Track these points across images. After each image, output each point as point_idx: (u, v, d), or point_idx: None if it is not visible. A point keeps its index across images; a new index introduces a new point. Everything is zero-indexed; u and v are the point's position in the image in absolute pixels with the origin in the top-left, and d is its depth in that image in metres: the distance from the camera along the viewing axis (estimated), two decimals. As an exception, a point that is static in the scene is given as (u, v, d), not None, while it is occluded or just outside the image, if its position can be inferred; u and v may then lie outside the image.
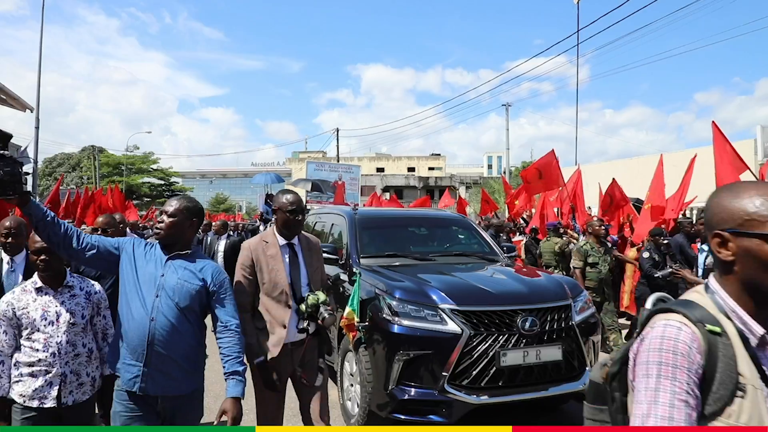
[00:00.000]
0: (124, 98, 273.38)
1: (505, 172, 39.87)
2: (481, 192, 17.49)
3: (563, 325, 4.10)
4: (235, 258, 3.48)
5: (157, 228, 2.73)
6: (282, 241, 3.25)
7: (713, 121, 8.06)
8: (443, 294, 4.03)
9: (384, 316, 4.07)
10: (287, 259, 3.23)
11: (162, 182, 57.70)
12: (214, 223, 9.13)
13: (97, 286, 3.07)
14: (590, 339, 4.25)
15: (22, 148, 18.86)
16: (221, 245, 8.33)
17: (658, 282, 6.65)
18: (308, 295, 3.16)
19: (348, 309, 3.94)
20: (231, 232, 11.13)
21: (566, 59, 39.93)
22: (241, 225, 19.87)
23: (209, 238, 8.62)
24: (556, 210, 11.99)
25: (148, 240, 2.96)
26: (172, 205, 2.68)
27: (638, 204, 10.45)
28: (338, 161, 41.17)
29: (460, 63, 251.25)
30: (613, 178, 10.39)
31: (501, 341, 3.90)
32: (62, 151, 61.38)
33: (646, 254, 7.05)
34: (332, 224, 5.61)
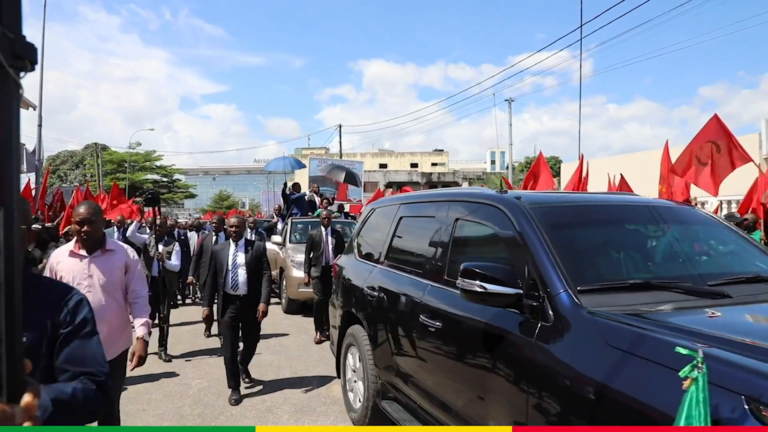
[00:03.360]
0: (126, 95, 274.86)
1: (508, 168, 40.10)
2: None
3: None
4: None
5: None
6: None
7: (716, 114, 8.04)
8: None
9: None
10: None
11: (165, 179, 57.94)
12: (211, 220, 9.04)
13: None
14: None
15: (31, 150, 18.97)
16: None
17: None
18: None
19: None
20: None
21: (570, 54, 39.91)
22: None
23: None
24: None
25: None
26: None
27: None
28: (341, 157, 41.18)
29: (462, 58, 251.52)
30: (621, 174, 10.45)
31: None
32: (65, 149, 61.82)
33: None
34: (464, 223, 3.28)
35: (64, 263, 3.18)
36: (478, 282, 2.44)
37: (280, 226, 13.16)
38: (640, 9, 15.89)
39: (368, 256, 4.56)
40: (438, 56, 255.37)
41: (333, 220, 8.71)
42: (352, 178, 17.01)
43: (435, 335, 3.07)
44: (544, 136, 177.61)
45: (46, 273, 3.19)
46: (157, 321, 6.59)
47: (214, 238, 8.01)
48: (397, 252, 4.11)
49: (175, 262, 7.20)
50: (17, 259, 0.58)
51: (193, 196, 63.95)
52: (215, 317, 5.49)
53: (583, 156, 11.99)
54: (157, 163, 56.78)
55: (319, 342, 7.65)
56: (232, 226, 5.38)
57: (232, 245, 5.35)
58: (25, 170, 20.05)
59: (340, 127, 43.95)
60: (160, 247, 6.97)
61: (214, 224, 8.49)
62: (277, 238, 11.52)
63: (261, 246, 5.46)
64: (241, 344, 5.51)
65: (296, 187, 13.61)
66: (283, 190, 14.01)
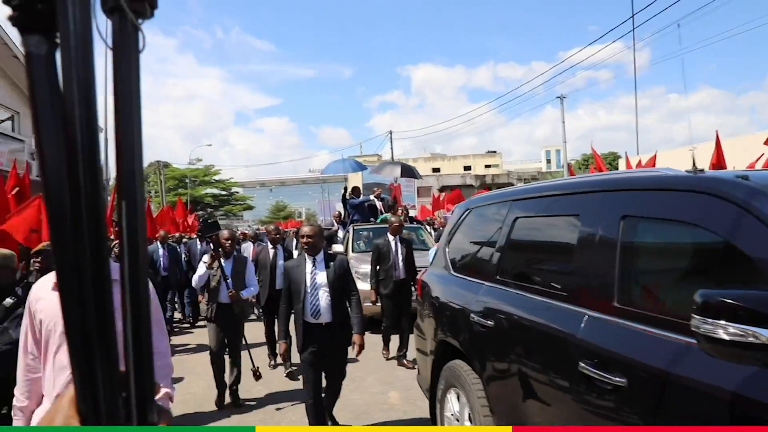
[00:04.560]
0: (184, 114, 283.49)
1: (563, 166, 38.14)
2: None
3: None
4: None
5: None
6: None
7: None
8: None
9: None
10: None
11: (224, 192, 58.88)
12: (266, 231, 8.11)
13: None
14: None
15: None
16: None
17: None
18: None
19: None
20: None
21: (623, 45, 37.45)
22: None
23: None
24: None
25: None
26: None
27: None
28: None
29: (511, 57, 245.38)
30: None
31: None
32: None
33: None
34: (641, 223, 2.15)
35: (46, 302, 2.14)
36: (740, 326, 1.34)
37: (341, 234, 12.05)
38: None
39: (469, 270, 3.47)
40: (486, 56, 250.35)
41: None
42: (410, 171, 14.92)
43: (612, 396, 1.96)
44: (601, 131, 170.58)
45: (25, 313, 2.18)
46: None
47: (272, 251, 6.99)
48: (518, 265, 2.99)
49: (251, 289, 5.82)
50: (143, 254, 0.46)
51: (251, 207, 64.54)
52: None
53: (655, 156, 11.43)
54: (216, 177, 57.73)
55: (391, 359, 6.63)
56: (304, 236, 4.20)
57: (308, 261, 4.20)
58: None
59: (391, 134, 43.30)
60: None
61: (269, 235, 7.28)
62: (338, 247, 10.59)
63: (344, 261, 4.34)
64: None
65: (356, 191, 12.44)
66: (344, 195, 12.87)
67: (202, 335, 7.66)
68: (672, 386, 1.72)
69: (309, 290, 4.10)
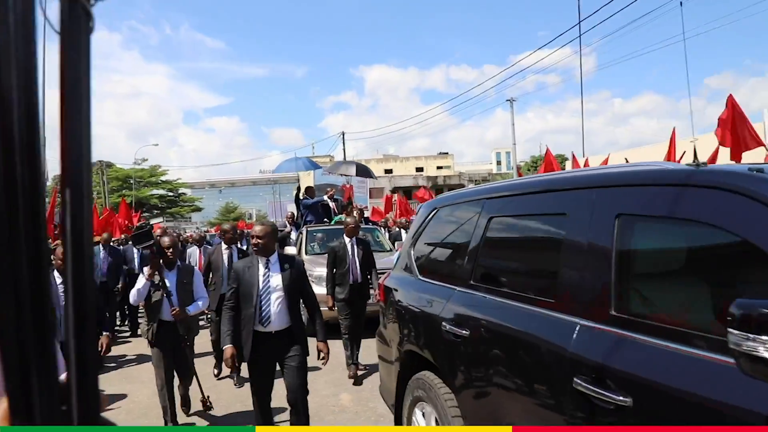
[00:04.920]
0: (129, 111, 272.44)
1: (513, 168, 38.83)
2: None
3: None
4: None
5: None
6: None
7: (730, 95, 7.69)
8: None
9: None
10: None
11: (171, 193, 57.03)
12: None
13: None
14: None
15: None
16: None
17: None
18: None
19: None
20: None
21: (571, 50, 38.61)
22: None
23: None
24: None
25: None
26: None
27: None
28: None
29: (464, 59, 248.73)
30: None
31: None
32: (71, 168, 60.68)
33: None
34: (639, 222, 1.90)
35: None
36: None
37: (293, 235, 11.54)
38: (641, 2, 14.74)
39: (438, 275, 3.20)
40: (439, 59, 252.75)
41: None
42: (365, 171, 14.28)
43: (614, 417, 1.71)
44: (550, 134, 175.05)
45: None
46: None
47: (226, 252, 6.48)
48: (495, 269, 2.72)
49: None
50: (88, 251, 0.42)
51: (199, 209, 62.75)
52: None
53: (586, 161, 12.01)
54: (163, 178, 55.81)
55: (354, 377, 6.08)
56: (254, 237, 3.80)
57: (260, 263, 3.81)
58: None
59: (344, 134, 42.98)
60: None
61: (226, 235, 6.65)
62: (291, 250, 10.14)
63: (301, 263, 3.99)
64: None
65: (310, 191, 11.95)
66: (296, 195, 12.29)
67: (142, 344, 7.14)
68: (690, 407, 1.49)
69: (261, 294, 3.72)
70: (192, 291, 4.76)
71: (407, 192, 44.30)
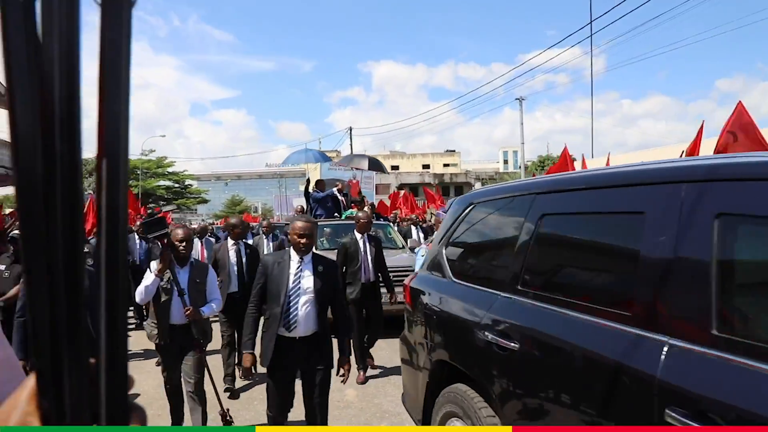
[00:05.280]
0: (137, 102, 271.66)
1: (521, 167, 38.45)
2: None
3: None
4: None
5: None
6: None
7: (740, 102, 6.89)
8: None
9: None
10: None
11: (177, 185, 56.91)
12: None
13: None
14: None
15: None
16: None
17: None
18: None
19: None
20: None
21: (581, 50, 38.21)
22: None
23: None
24: None
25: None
26: None
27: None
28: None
29: (472, 57, 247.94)
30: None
31: None
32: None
33: None
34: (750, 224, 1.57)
35: None
36: None
37: None
38: (653, 2, 14.32)
39: (476, 278, 2.88)
40: (448, 56, 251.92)
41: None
42: (377, 165, 13.82)
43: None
44: (557, 134, 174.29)
45: None
46: None
47: (233, 248, 5.87)
48: (550, 273, 2.39)
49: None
50: (122, 238, 0.40)
51: (205, 201, 62.58)
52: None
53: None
54: (169, 170, 55.67)
55: (363, 382, 5.75)
56: (300, 234, 3.39)
57: (294, 259, 3.43)
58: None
59: (351, 130, 42.66)
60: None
61: (234, 230, 6.04)
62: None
63: (335, 266, 3.61)
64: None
65: (320, 184, 11.58)
66: (306, 188, 11.83)
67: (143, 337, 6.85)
68: None
69: (291, 294, 3.37)
70: (205, 291, 4.18)
71: (413, 189, 44.06)
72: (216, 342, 6.34)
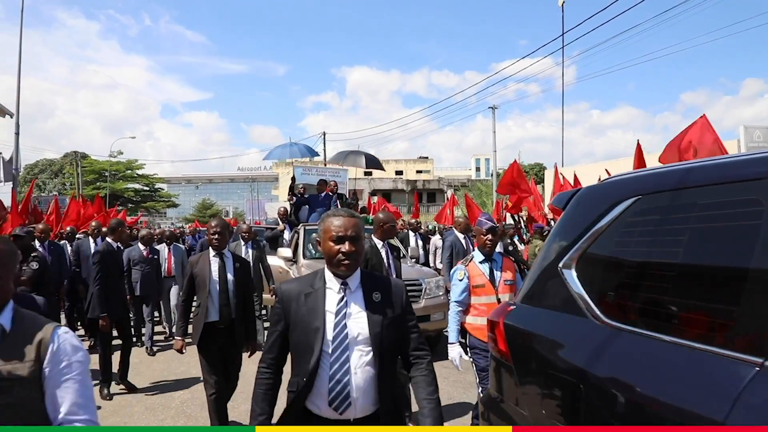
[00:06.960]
0: (105, 103, 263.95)
1: (492, 175, 37.70)
2: (465, 197, 15.66)
3: None
4: None
5: None
6: None
7: (704, 114, 6.96)
8: None
9: None
10: None
11: (147, 188, 54.48)
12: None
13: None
14: None
15: (8, 158, 17.49)
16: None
17: None
18: None
19: None
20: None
21: (553, 61, 37.97)
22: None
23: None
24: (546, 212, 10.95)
25: None
26: None
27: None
28: (325, 165, 38.37)
29: (446, 65, 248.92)
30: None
31: None
32: (44, 157, 57.80)
33: None
34: None
35: None
36: None
37: (287, 235, 9.43)
38: (623, 16, 14.23)
39: (670, 325, 1.62)
40: (422, 63, 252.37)
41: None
42: (375, 163, 12.43)
43: None
44: (529, 142, 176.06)
45: None
46: None
47: (215, 260, 4.21)
48: None
49: None
50: None
51: (175, 205, 60.09)
52: None
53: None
54: (139, 172, 53.13)
55: None
56: (335, 235, 1.86)
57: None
58: (2, 179, 18.27)
59: (324, 135, 41.30)
60: None
61: (217, 236, 4.45)
62: (285, 252, 8.36)
63: (402, 288, 1.99)
64: None
65: (321, 185, 10.17)
66: (291, 187, 10.28)
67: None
68: None
69: (333, 348, 1.88)
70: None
71: (386, 195, 42.94)
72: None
